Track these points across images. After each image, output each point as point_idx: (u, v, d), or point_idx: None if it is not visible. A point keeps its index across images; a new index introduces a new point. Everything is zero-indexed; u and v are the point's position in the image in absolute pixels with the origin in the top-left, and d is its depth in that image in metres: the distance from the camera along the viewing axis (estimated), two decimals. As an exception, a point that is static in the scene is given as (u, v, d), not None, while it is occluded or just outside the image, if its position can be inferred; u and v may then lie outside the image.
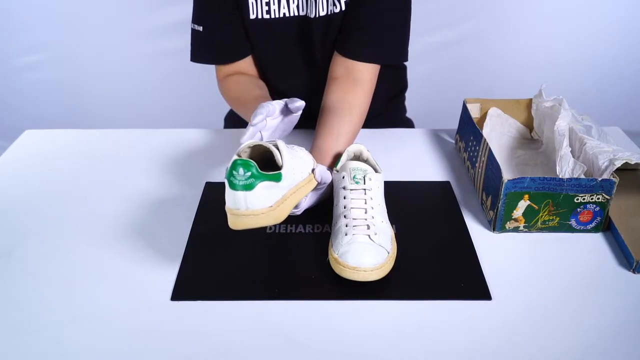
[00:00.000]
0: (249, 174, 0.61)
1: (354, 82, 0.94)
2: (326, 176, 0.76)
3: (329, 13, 0.95)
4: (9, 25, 1.96)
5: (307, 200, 0.76)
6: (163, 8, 1.91)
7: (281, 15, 0.98)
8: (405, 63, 1.16)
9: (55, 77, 2.06)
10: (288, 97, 0.80)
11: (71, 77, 2.07)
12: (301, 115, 0.84)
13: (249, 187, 0.61)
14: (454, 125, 1.03)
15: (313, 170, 0.73)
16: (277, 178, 0.64)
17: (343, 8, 0.94)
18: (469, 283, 0.70)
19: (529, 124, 1.01)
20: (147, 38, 1.98)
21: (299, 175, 0.70)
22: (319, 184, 0.74)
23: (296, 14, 0.98)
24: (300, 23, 0.99)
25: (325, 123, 0.90)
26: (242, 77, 1.04)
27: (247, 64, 1.05)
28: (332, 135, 0.87)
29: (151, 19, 1.95)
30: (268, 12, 0.97)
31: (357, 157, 0.83)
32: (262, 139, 0.77)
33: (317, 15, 0.95)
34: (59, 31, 1.98)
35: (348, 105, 0.92)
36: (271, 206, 0.64)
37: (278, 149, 0.67)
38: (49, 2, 1.93)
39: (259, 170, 0.62)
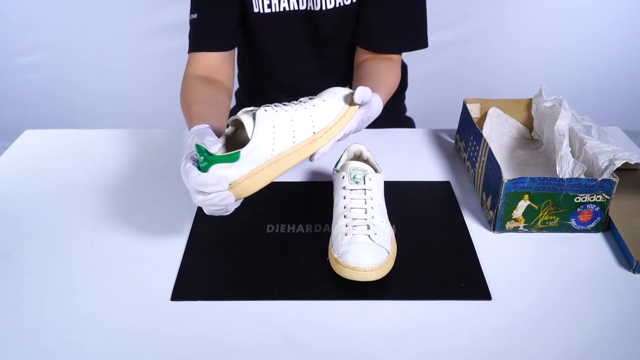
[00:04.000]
0: (202, 158, 0.63)
1: (384, 59, 0.98)
2: (366, 96, 0.71)
3: (337, 6, 0.95)
4: (9, 25, 1.96)
5: (353, 124, 0.73)
6: (163, 8, 1.91)
7: (281, 9, 0.97)
8: (406, 62, 1.17)
9: (55, 77, 2.06)
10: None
11: (71, 77, 2.07)
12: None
13: (204, 170, 0.63)
14: (454, 125, 1.03)
15: (352, 94, 0.70)
16: (233, 158, 0.63)
17: (354, 0, 0.95)
18: (469, 283, 0.70)
19: (529, 124, 1.01)
20: (147, 38, 1.98)
21: (299, 136, 0.67)
22: (361, 105, 0.71)
23: (296, 7, 0.97)
24: (304, 17, 0.99)
25: (362, 76, 0.92)
26: (201, 87, 0.99)
27: (220, 61, 0.98)
28: (373, 80, 0.87)
29: (151, 19, 1.95)
30: (269, 6, 0.97)
31: (357, 157, 0.83)
32: None
33: (323, 8, 0.95)
34: (59, 31, 1.98)
35: (386, 67, 0.96)
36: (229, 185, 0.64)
37: (254, 119, 0.65)
38: (49, 2, 1.92)
39: (210, 153, 0.63)
